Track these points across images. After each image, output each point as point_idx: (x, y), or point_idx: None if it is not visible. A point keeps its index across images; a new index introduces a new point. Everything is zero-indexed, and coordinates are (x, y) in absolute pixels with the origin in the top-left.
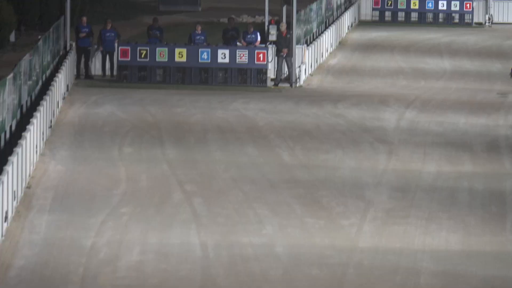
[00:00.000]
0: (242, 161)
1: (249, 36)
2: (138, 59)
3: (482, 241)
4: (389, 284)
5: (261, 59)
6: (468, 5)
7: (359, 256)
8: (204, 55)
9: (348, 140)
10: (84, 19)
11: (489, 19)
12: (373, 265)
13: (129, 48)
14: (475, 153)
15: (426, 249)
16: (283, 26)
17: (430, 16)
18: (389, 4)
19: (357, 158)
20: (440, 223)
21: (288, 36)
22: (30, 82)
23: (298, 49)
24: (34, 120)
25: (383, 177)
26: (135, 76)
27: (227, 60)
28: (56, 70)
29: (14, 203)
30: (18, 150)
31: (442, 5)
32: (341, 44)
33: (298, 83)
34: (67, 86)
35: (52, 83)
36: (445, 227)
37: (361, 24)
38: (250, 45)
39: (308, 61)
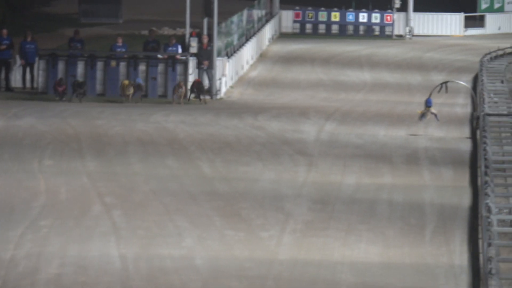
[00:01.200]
0: (162, 173)
1: (170, 49)
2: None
3: (401, 253)
4: None
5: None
6: (388, 17)
7: (279, 268)
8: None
9: (268, 153)
10: (5, 31)
11: (409, 31)
12: (292, 277)
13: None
14: (394, 165)
15: (345, 261)
16: (205, 39)
17: (350, 28)
18: (310, 17)
19: (277, 170)
20: (360, 235)
21: (209, 48)
22: None
23: (219, 62)
24: None
25: (303, 189)
26: (53, 90)
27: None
28: None
29: None
30: None
31: (363, 18)
32: (262, 56)
33: (218, 95)
34: None
35: None
36: (364, 239)
37: (282, 36)
38: (171, 57)
39: (228, 73)
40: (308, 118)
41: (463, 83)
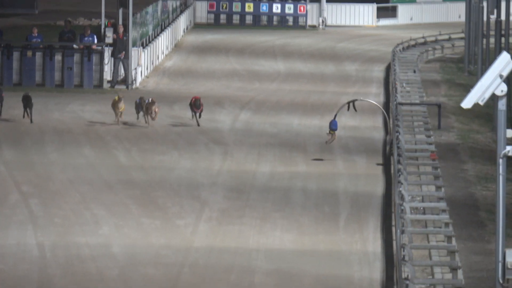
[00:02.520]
0: (78, 162)
1: (85, 39)
2: None
3: (316, 240)
4: (224, 283)
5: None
6: (302, 8)
7: (194, 255)
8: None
9: (184, 142)
10: None
11: (322, 22)
12: (208, 264)
13: None
14: (308, 153)
15: (260, 248)
16: (120, 29)
17: (264, 19)
18: (224, 7)
19: (192, 159)
20: (274, 223)
21: (124, 38)
22: None
23: (134, 52)
24: None
25: (218, 178)
26: None
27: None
28: None
29: None
30: None
31: (277, 8)
32: (177, 47)
33: (134, 85)
34: None
35: None
36: (279, 226)
37: (196, 27)
38: (86, 47)
39: (144, 63)
40: (223, 107)
41: (372, 101)
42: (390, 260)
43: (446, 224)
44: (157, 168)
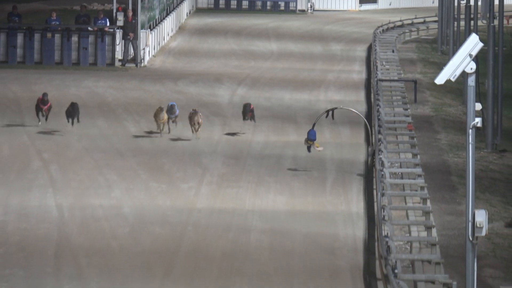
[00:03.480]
0: (93, 132)
1: (99, 22)
2: None
3: (305, 202)
4: (223, 240)
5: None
6: None
7: (197, 215)
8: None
9: (187, 114)
10: None
11: (311, 6)
12: (209, 224)
13: None
14: (298, 124)
15: (255, 209)
16: (130, 13)
17: (259, 4)
18: None
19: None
20: (268, 186)
21: (134, 21)
22: None
23: (142, 33)
24: None
25: (218, 146)
26: None
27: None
28: None
29: None
30: None
31: None
32: (181, 29)
33: (142, 64)
34: None
35: None
36: (272, 190)
37: (198, 11)
38: (100, 29)
39: (151, 44)
40: (222, 83)
41: (354, 110)
42: (372, 220)
43: (422, 188)
44: (163, 138)
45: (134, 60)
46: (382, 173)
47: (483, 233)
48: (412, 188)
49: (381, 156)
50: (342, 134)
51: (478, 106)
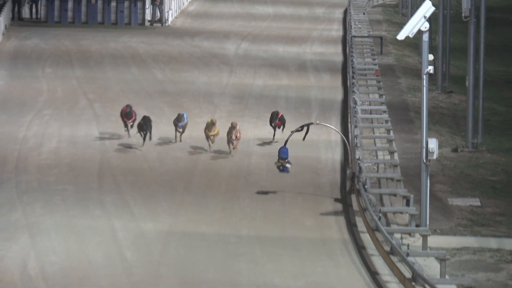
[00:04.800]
0: (127, 78)
1: None
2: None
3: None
4: (230, 163)
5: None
6: None
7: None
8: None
9: (201, 63)
10: None
11: None
12: (219, 149)
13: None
14: (290, 71)
15: (256, 138)
16: None
17: None
18: None
19: (208, 75)
20: (266, 120)
21: None
22: None
23: None
24: None
25: (226, 89)
26: (51, 19)
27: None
28: None
29: None
30: None
31: None
32: None
33: (166, 24)
34: (5, 25)
35: None
36: (269, 122)
37: None
38: None
39: (173, 8)
40: (229, 39)
41: (331, 126)
42: (346, 146)
43: (386, 121)
44: (183, 82)
45: (160, 20)
46: (355, 109)
47: (434, 156)
48: (379, 122)
49: (354, 96)
50: (323, 79)
51: (431, 57)
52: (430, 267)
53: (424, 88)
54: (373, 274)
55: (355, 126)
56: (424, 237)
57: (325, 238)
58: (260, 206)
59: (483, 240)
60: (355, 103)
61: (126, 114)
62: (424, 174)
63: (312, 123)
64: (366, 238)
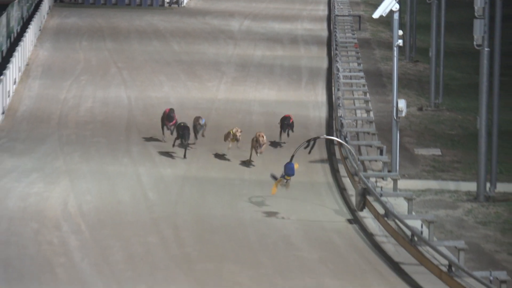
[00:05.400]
0: (150, 49)
1: None
2: None
3: (288, 94)
4: (235, 119)
5: None
6: None
7: (218, 103)
8: None
9: (211, 37)
10: None
11: None
12: (226, 108)
13: None
14: (284, 44)
15: (256, 99)
16: None
17: None
18: None
19: (216, 47)
20: (264, 84)
21: None
22: (28, 4)
23: None
24: (30, 26)
25: (231, 59)
26: (87, 1)
27: None
28: None
29: (19, 73)
30: (21, 43)
31: None
32: None
33: (182, 5)
34: (49, 7)
35: (40, 4)
36: (267, 86)
37: None
38: None
39: None
40: (234, 17)
41: (337, 139)
42: (331, 106)
43: (363, 85)
44: (196, 53)
45: (177, 2)
46: (338, 76)
47: (403, 114)
48: (357, 85)
49: (337, 65)
50: (312, 51)
51: (400, 32)
52: (399, 205)
53: (395, 58)
54: (353, 211)
55: (338, 89)
56: (395, 181)
57: (313, 181)
58: (260, 156)
59: (443, 183)
60: (338, 70)
61: (168, 117)
62: (394, 128)
63: (318, 137)
64: (347, 181)
